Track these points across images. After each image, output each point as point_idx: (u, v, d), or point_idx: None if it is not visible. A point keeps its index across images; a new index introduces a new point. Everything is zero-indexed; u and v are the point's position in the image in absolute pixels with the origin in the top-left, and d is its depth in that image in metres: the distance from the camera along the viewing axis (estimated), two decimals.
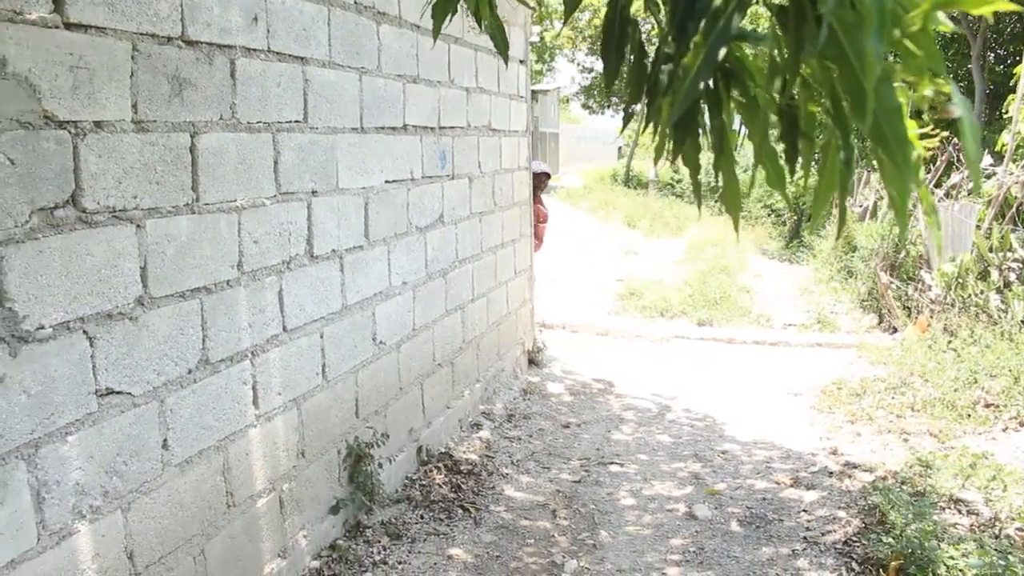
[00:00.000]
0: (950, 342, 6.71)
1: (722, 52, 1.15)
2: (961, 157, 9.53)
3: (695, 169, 1.40)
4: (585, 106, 32.61)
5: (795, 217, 15.03)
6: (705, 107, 1.30)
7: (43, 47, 2.20)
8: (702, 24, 1.16)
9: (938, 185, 9.31)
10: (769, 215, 16.58)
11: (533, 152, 7.21)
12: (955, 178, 9.13)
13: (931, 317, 7.38)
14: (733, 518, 4.25)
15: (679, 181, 21.51)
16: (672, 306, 9.37)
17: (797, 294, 10.04)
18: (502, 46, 2.07)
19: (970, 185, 8.93)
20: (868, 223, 10.01)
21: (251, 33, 3.07)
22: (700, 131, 1.34)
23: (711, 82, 1.27)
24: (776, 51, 1.19)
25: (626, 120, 1.39)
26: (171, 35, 2.66)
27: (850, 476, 4.67)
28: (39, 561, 2.25)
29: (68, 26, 2.27)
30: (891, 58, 1.13)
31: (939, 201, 8.73)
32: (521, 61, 6.58)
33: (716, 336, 8.36)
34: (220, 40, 2.90)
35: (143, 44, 2.54)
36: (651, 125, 1.38)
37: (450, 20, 2.15)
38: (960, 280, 7.50)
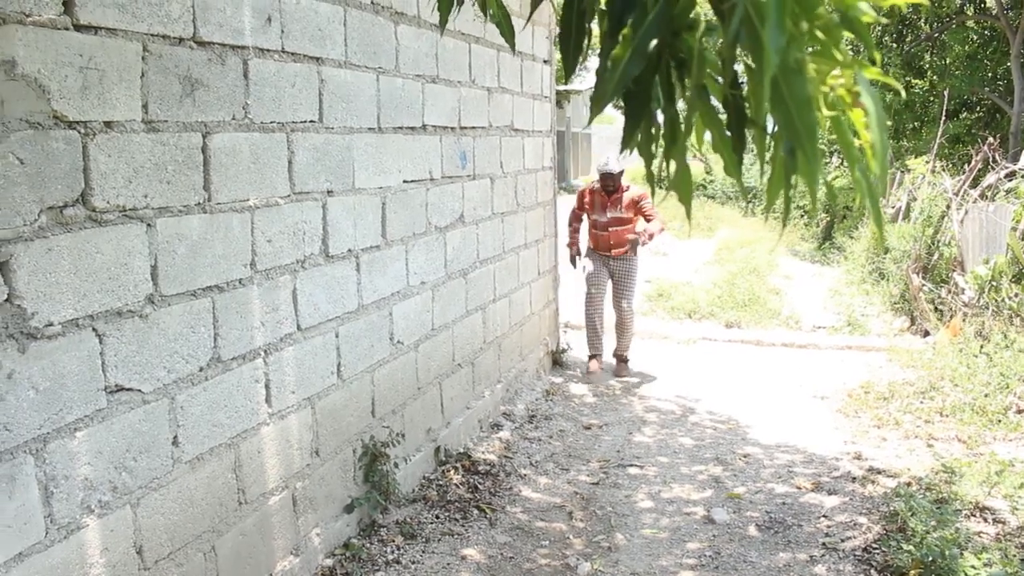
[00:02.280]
0: (982, 346, 6.58)
1: (652, 43, 1.15)
2: (997, 157, 9.37)
3: (648, 159, 1.40)
4: (617, 106, 32.55)
5: (828, 218, 14.85)
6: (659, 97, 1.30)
7: (53, 48, 2.23)
8: (631, 17, 1.17)
9: (974, 185, 9.14)
10: (801, 216, 16.40)
11: (560, 153, 7.21)
12: (990, 178, 8.97)
13: (963, 320, 7.25)
14: (751, 522, 4.21)
15: (711, 182, 21.35)
16: (700, 307, 9.30)
17: (827, 296, 9.91)
18: (508, 34, 2.07)
19: (1007, 185, 8.78)
20: (900, 224, 9.86)
21: (265, 34, 3.09)
22: (652, 121, 1.34)
23: (669, 72, 1.26)
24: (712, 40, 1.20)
25: (591, 111, 1.39)
26: (183, 36, 2.68)
27: (873, 481, 4.60)
28: (47, 554, 2.28)
29: (78, 27, 2.30)
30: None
31: (973, 202, 8.58)
32: (545, 61, 6.57)
33: (744, 338, 8.28)
34: (233, 41, 2.92)
35: (154, 45, 2.57)
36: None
37: (458, 12, 2.15)
38: (994, 283, 7.36)
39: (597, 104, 1.29)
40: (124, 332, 2.52)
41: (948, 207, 8.78)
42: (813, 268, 12.29)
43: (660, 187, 1.50)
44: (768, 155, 1.24)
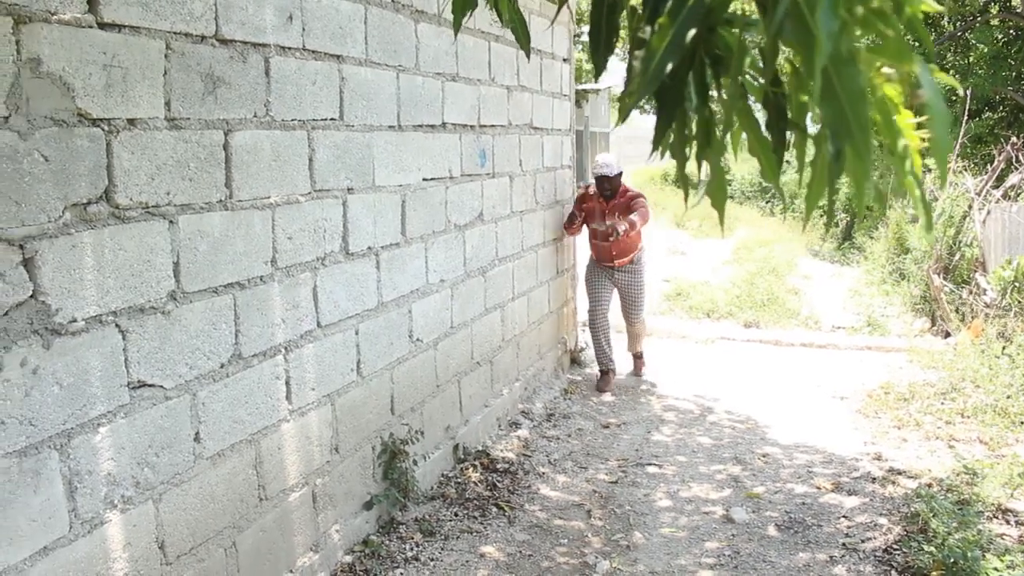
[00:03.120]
0: (1004, 347, 6.51)
1: (691, 34, 1.11)
2: (1020, 157, 9.27)
3: (681, 160, 1.37)
4: (638, 105, 32.40)
5: (847, 218, 14.75)
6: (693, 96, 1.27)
7: (77, 46, 2.24)
8: (669, 4, 1.13)
9: (997, 185, 9.05)
10: (820, 216, 16.28)
11: (579, 152, 7.18)
12: (1013, 178, 8.88)
13: (985, 321, 7.18)
14: (771, 522, 4.18)
15: (730, 183, 21.24)
16: (719, 307, 9.26)
17: (847, 296, 9.84)
18: (523, 39, 2.06)
19: None
20: (921, 225, 9.78)
21: (286, 32, 3.10)
22: (686, 121, 1.31)
23: (701, 68, 1.23)
24: (759, 35, 1.16)
25: (620, 109, 1.36)
26: (205, 34, 2.70)
27: (893, 482, 4.57)
28: (71, 549, 2.30)
29: (102, 26, 2.32)
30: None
31: (996, 202, 8.50)
32: (565, 59, 6.56)
33: (762, 338, 8.24)
34: (254, 39, 2.93)
35: (177, 43, 2.58)
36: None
37: (471, 15, 2.14)
38: (1016, 284, 7.29)
39: (631, 97, 1.23)
40: (147, 328, 2.54)
41: (970, 207, 8.70)
42: (832, 268, 12.22)
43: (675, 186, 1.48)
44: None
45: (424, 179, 4.23)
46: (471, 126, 4.77)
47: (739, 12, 1.19)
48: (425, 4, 4.15)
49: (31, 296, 2.15)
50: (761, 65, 1.20)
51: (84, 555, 2.34)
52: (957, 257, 8.53)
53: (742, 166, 22.09)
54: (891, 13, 1.01)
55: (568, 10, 6.57)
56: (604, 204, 6.30)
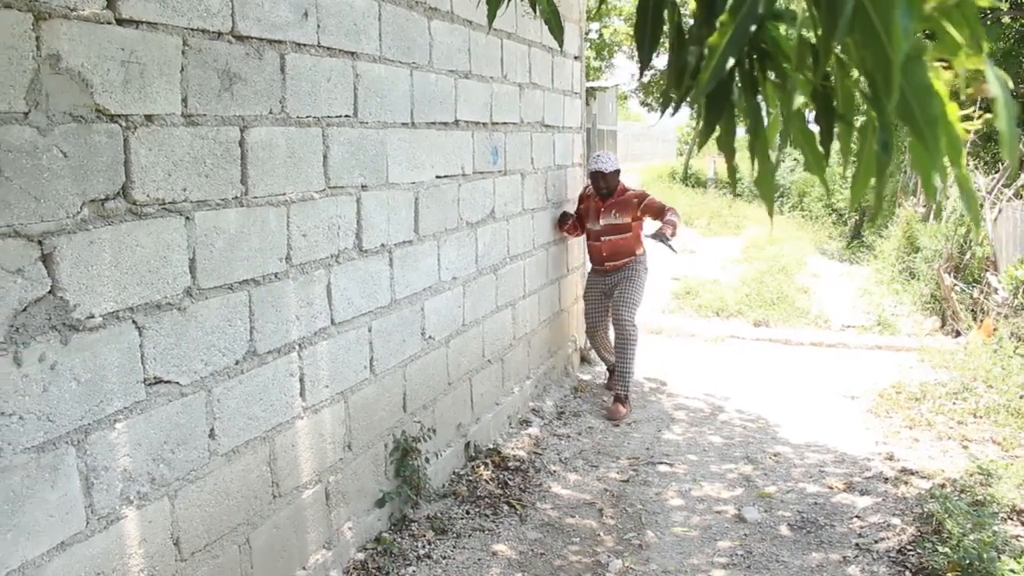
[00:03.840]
0: (1017, 347, 6.49)
1: (751, 29, 1.11)
2: None
3: (730, 154, 1.36)
4: (644, 103, 32.27)
5: (856, 216, 14.70)
6: (740, 90, 1.26)
7: (96, 42, 2.24)
8: (729, 2, 1.13)
9: (1009, 184, 9.00)
10: (830, 214, 16.25)
11: (587, 150, 7.16)
12: None
13: (997, 321, 7.15)
14: (783, 522, 4.17)
15: (739, 180, 21.21)
16: (728, 305, 9.24)
17: (857, 295, 9.81)
18: (557, 31, 2.05)
19: None
20: (932, 224, 9.74)
21: (301, 28, 3.10)
22: (734, 114, 1.31)
23: (747, 63, 1.23)
24: (810, 30, 1.15)
25: (664, 104, 1.36)
26: (221, 30, 2.69)
27: (906, 482, 4.55)
28: (88, 544, 2.30)
29: (120, 22, 2.31)
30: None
31: (1007, 201, 8.46)
32: (576, 57, 6.55)
33: (772, 337, 8.21)
34: (270, 35, 2.93)
35: (194, 39, 2.58)
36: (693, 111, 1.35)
37: (506, 8, 2.13)
38: None
39: (697, 91, 1.22)
40: (163, 325, 2.54)
41: (981, 206, 8.65)
42: (842, 267, 12.17)
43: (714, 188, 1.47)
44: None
45: (437, 176, 4.23)
46: (484, 123, 4.76)
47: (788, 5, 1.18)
48: (438, 1, 4.14)
49: (49, 292, 2.15)
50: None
51: (100, 551, 2.34)
52: (968, 256, 8.49)
53: (748, 163, 22.01)
54: (953, 9, 1.01)
55: (579, 8, 6.55)
56: (600, 203, 5.96)
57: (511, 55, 5.10)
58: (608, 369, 6.45)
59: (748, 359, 7.45)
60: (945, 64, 1.11)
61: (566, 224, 6.18)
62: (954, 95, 1.11)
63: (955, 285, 8.17)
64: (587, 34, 16.28)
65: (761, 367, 7.15)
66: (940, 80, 1.06)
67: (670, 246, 5.71)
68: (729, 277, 10.78)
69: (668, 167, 25.83)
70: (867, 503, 4.35)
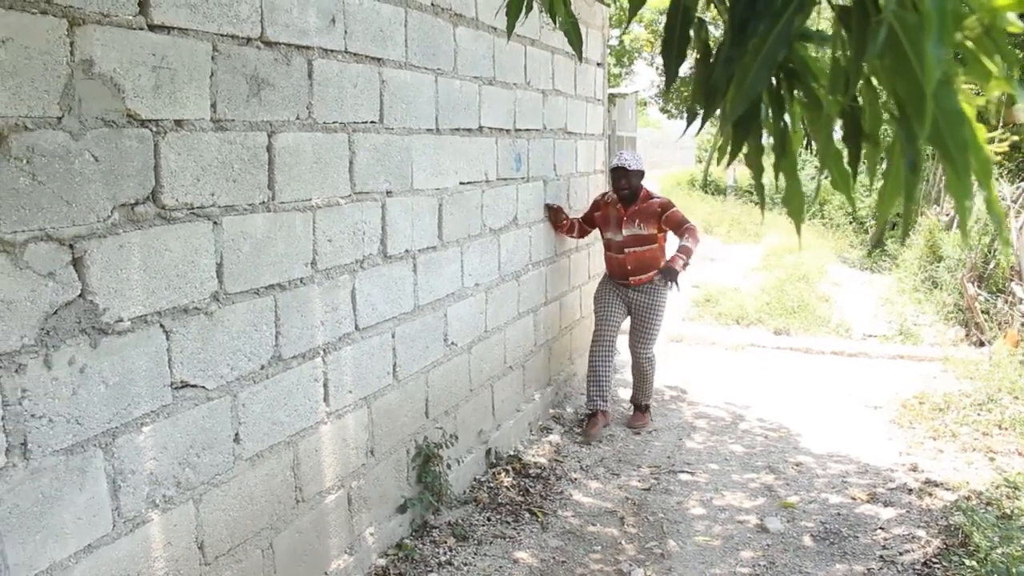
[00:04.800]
0: None
1: (781, 54, 1.11)
2: None
3: (758, 171, 1.36)
4: (663, 110, 32.18)
5: (879, 227, 14.60)
6: (767, 108, 1.26)
7: (128, 48, 2.25)
8: (761, 25, 1.13)
9: None
10: (850, 223, 16.14)
11: (607, 156, 7.14)
12: None
13: (1022, 331, 7.08)
14: (806, 532, 4.14)
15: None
16: (748, 314, 9.19)
17: (878, 304, 9.73)
18: (576, 42, 2.06)
19: None
20: (955, 232, 9.66)
21: (329, 34, 3.11)
22: (762, 132, 1.31)
23: (773, 81, 1.23)
24: (839, 52, 1.15)
25: (690, 119, 1.36)
26: (250, 36, 2.71)
27: (931, 494, 4.50)
28: (114, 547, 2.31)
29: (152, 27, 2.33)
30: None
31: None
32: (598, 64, 6.54)
33: (793, 345, 8.16)
34: (298, 41, 2.94)
35: (223, 45, 2.59)
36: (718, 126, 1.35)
37: (525, 18, 2.15)
38: None
39: (733, 113, 1.23)
40: (190, 329, 2.55)
41: (1006, 215, 8.58)
42: (863, 276, 12.09)
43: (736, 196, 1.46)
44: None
45: (461, 183, 4.23)
46: (507, 130, 4.76)
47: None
48: (463, 7, 4.15)
49: (79, 295, 2.16)
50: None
51: (126, 553, 2.35)
52: (992, 265, 8.42)
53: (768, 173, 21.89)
54: (984, 36, 1.00)
55: (602, 15, 6.54)
56: (622, 211, 5.43)
57: (534, 62, 5.10)
58: (590, 408, 5.60)
59: (769, 368, 7.40)
60: (975, 88, 1.11)
61: (560, 223, 5.59)
62: (981, 118, 1.10)
63: (979, 295, 8.09)
64: (608, 39, 16.28)
65: (782, 376, 7.11)
66: (970, 104, 1.06)
67: (676, 283, 5.32)
68: (749, 285, 10.72)
69: (687, 174, 25.72)
70: (891, 515, 4.31)
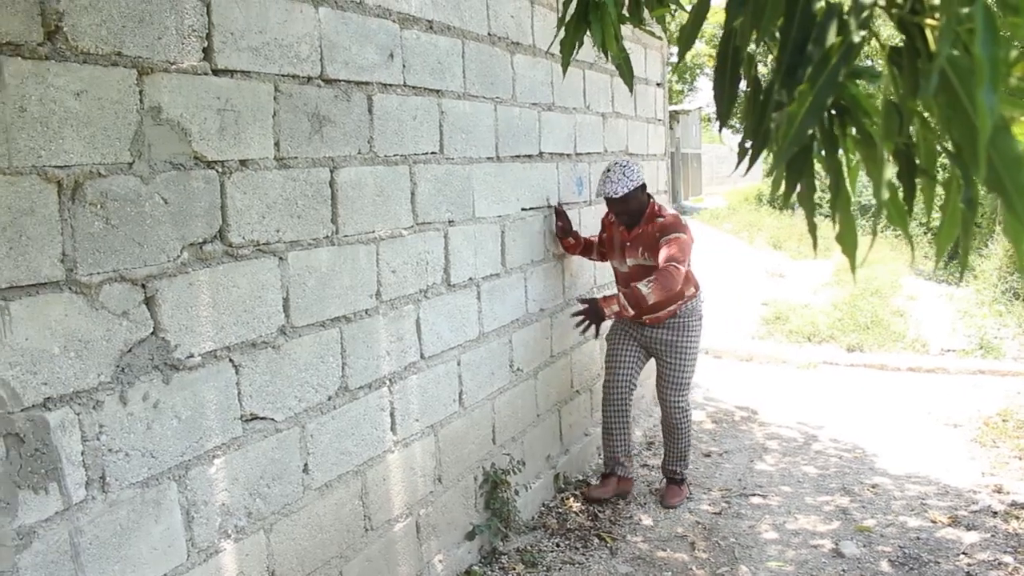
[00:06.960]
0: None
1: (830, 99, 1.10)
2: None
3: (810, 210, 1.35)
4: (729, 125, 31.98)
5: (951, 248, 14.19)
6: (819, 146, 1.25)
7: (193, 93, 2.34)
8: (808, 71, 1.13)
9: None
10: (925, 234, 15.74)
11: (670, 174, 7.08)
12: None
13: None
14: (883, 557, 4.02)
15: (828, 201, 20.74)
16: (820, 331, 9.02)
17: (956, 317, 9.46)
18: (627, 76, 2.07)
19: None
20: None
21: (387, 69, 3.17)
22: (815, 171, 1.30)
23: (827, 120, 1.22)
24: (891, 90, 1.14)
25: (741, 155, 1.36)
26: (311, 75, 2.78)
27: (1017, 517, 4.34)
28: None
29: (216, 72, 2.41)
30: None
31: None
32: (658, 84, 6.53)
33: (867, 362, 7.97)
34: (357, 77, 3.00)
35: (285, 85, 2.66)
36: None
37: (577, 51, 2.17)
38: None
39: (782, 157, 1.23)
40: (258, 363, 2.61)
41: None
42: (939, 288, 11.76)
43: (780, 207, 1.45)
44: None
45: (523, 209, 4.25)
46: (567, 155, 4.78)
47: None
48: (520, 35, 4.19)
49: (152, 333, 2.24)
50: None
51: None
52: None
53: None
54: None
55: (661, 35, 6.53)
56: (625, 234, 4.47)
57: (593, 85, 5.12)
58: (605, 469, 4.73)
59: (842, 386, 7.24)
60: None
61: (565, 240, 4.67)
62: None
63: None
64: (668, 58, 16.25)
65: (856, 394, 6.94)
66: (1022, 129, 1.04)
67: (596, 327, 4.25)
68: (820, 301, 10.53)
69: (755, 189, 25.44)
70: (975, 539, 4.17)
